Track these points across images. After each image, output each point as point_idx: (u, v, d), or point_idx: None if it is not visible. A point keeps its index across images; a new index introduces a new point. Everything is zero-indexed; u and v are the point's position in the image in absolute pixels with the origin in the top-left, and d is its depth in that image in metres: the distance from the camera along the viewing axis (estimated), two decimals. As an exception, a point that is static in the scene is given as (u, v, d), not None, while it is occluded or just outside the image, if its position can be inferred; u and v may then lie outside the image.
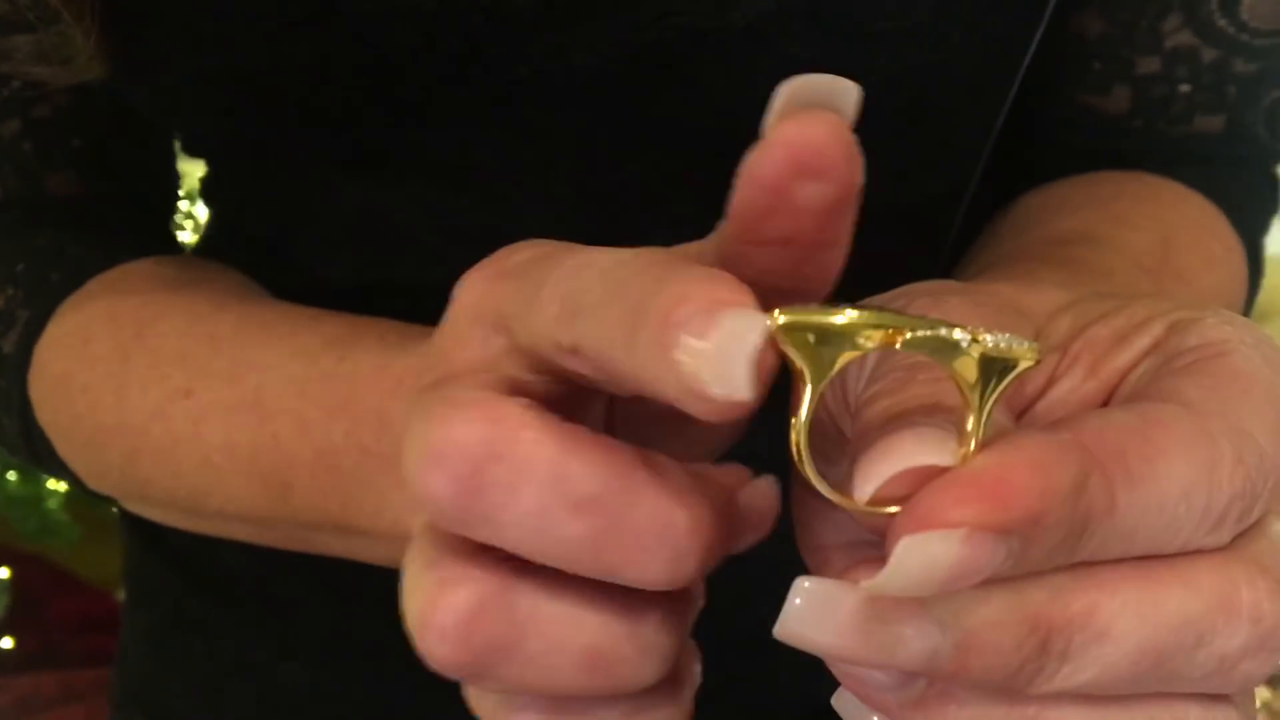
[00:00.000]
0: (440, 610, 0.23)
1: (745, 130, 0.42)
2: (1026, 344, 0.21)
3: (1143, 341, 0.26)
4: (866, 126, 0.43)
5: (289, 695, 0.54)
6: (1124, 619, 0.22)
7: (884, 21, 0.39)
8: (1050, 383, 0.26)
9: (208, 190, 0.55)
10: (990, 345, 0.21)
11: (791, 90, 0.22)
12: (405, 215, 0.45)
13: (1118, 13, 0.47)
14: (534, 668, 0.23)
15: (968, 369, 0.21)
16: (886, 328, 0.21)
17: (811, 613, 0.22)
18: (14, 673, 1.23)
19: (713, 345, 0.20)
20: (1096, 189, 0.48)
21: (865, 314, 0.21)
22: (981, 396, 0.21)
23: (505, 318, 0.25)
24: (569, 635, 0.23)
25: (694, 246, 0.27)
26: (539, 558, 0.23)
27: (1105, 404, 0.26)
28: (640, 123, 0.41)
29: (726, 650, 0.48)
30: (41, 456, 0.47)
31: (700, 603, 0.26)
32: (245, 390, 0.39)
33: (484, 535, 0.23)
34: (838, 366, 0.21)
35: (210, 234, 0.58)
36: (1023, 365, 0.21)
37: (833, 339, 0.21)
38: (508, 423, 0.22)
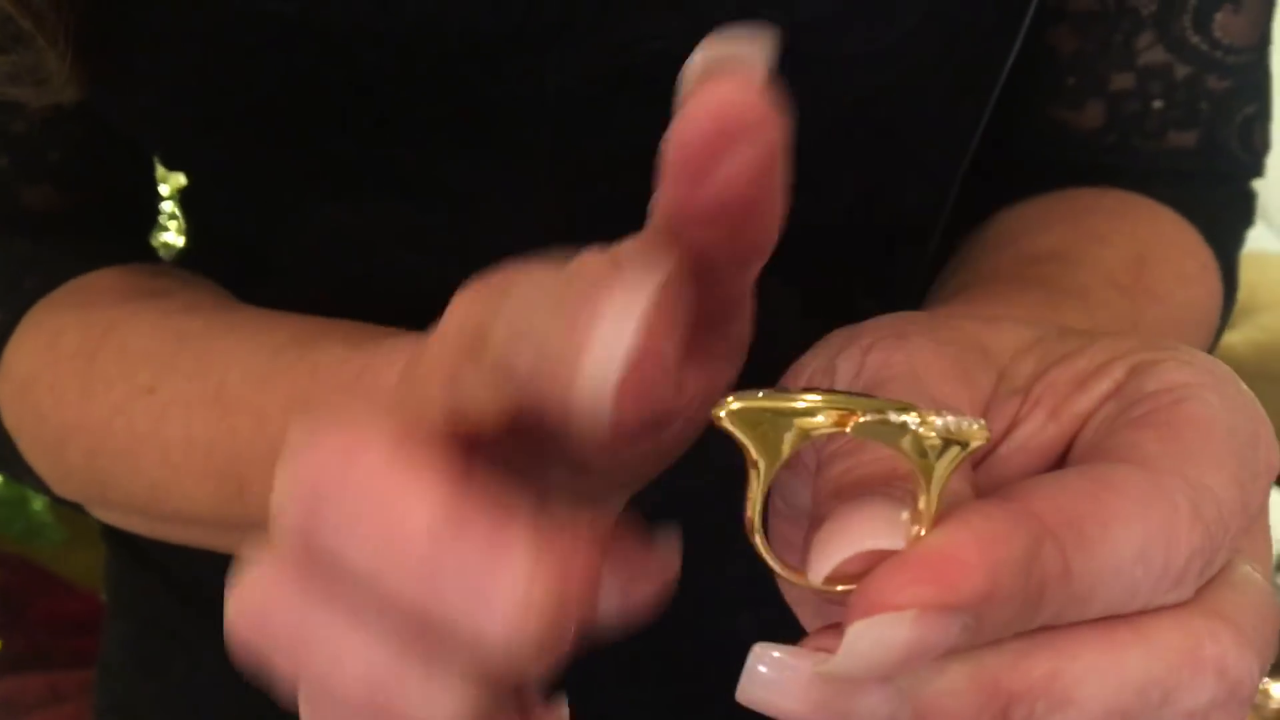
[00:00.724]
0: (239, 594, 0.22)
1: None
2: (976, 424, 0.21)
3: (1103, 386, 0.26)
4: (840, 147, 0.43)
5: (271, 707, 0.55)
6: (1086, 683, 0.22)
7: (856, 46, 0.39)
8: (1011, 427, 0.27)
9: (187, 201, 0.55)
10: (939, 427, 0.21)
11: (704, 55, 0.22)
12: (381, 231, 0.45)
13: (1091, 29, 0.48)
14: (314, 683, 0.22)
15: (917, 450, 0.21)
16: (836, 411, 0.21)
17: (772, 680, 0.22)
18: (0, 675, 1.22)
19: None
20: (1070, 206, 0.48)
21: (814, 399, 0.21)
22: (931, 476, 0.21)
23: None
24: (349, 661, 0.22)
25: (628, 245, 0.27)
26: (371, 597, 0.21)
27: (1067, 449, 0.26)
28: (615, 142, 0.41)
29: (707, 662, 0.48)
30: (8, 462, 0.47)
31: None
32: (208, 385, 0.39)
33: (327, 567, 0.22)
34: (788, 451, 0.21)
35: (190, 244, 0.58)
36: (973, 445, 0.21)
37: (782, 425, 0.21)
38: (367, 446, 0.21)
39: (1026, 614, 0.21)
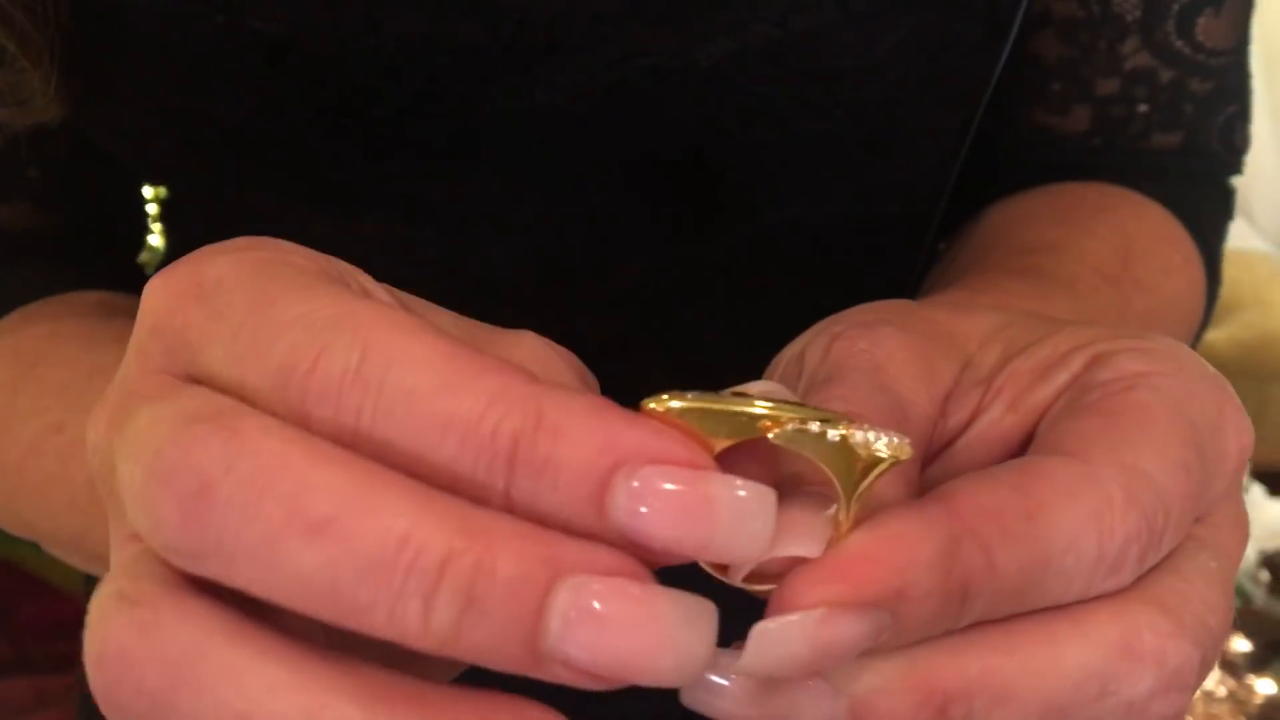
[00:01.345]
0: (99, 638, 0.20)
1: (708, 162, 0.42)
2: (897, 440, 0.21)
3: (1062, 377, 0.26)
4: (828, 157, 0.43)
5: None
6: (1024, 679, 0.22)
7: (845, 60, 0.40)
8: (973, 417, 0.27)
9: (168, 213, 0.55)
10: (858, 442, 0.21)
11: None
12: (368, 247, 0.45)
13: (1077, 35, 0.48)
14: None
15: (837, 462, 0.21)
16: (759, 420, 0.21)
17: (710, 682, 0.22)
18: (-15, 679, 1.22)
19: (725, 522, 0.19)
20: (1058, 200, 0.49)
21: (740, 404, 0.21)
22: (852, 488, 0.21)
23: (195, 353, 0.22)
24: (228, 698, 0.19)
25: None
26: (277, 599, 0.19)
27: (1027, 439, 0.26)
28: (603, 157, 0.41)
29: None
30: None
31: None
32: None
33: (216, 572, 0.20)
34: (714, 453, 0.21)
35: (171, 254, 0.57)
36: (891, 462, 0.21)
37: (708, 427, 0.21)
38: (249, 432, 0.19)
39: (952, 610, 0.21)
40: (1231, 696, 1.37)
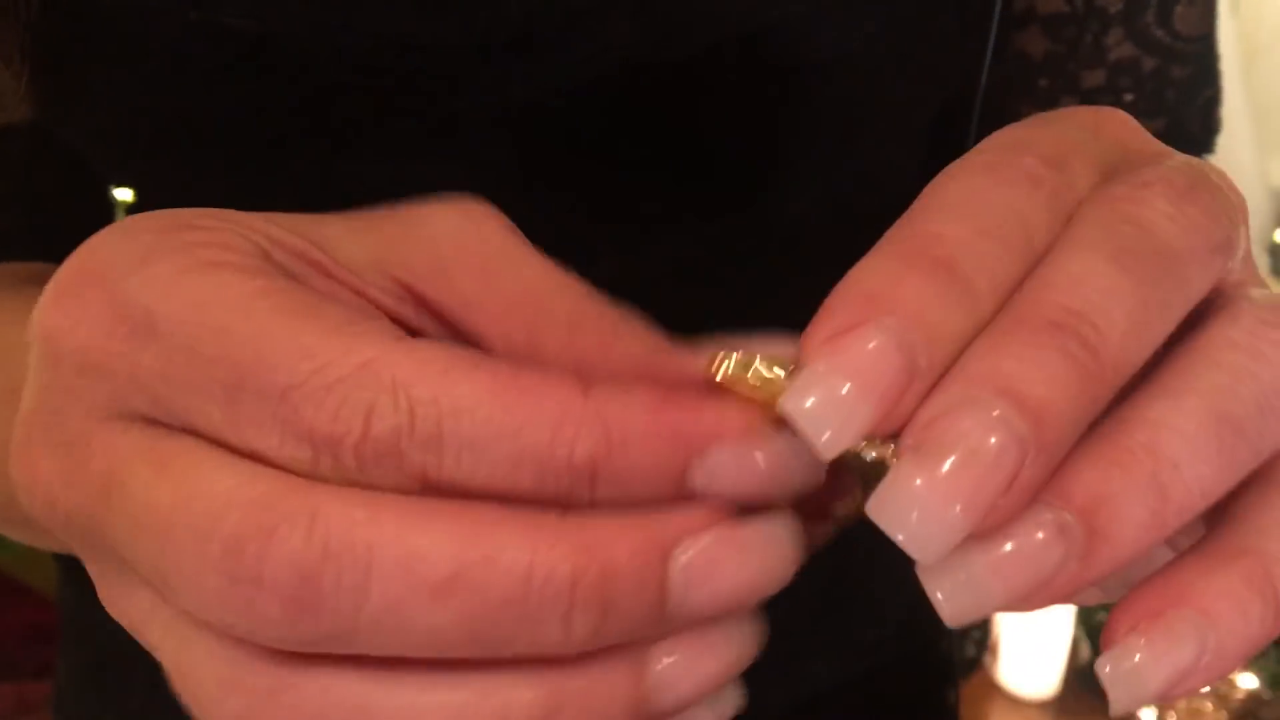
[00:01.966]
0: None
1: (684, 156, 0.42)
2: None
3: None
4: (800, 151, 0.43)
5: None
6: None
7: (819, 53, 0.40)
8: None
9: (139, 210, 0.54)
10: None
11: None
12: None
13: (1062, 31, 0.49)
14: None
15: (871, 474, 0.21)
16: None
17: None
18: (-35, 686, 1.21)
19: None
20: None
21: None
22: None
23: (163, 401, 0.21)
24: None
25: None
26: (408, 655, 0.20)
27: None
28: (581, 152, 0.41)
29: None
30: None
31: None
32: (12, 376, 0.37)
33: (330, 649, 0.20)
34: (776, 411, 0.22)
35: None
36: None
37: (770, 391, 0.22)
38: (329, 508, 0.19)
39: None
40: (1214, 691, 1.38)
